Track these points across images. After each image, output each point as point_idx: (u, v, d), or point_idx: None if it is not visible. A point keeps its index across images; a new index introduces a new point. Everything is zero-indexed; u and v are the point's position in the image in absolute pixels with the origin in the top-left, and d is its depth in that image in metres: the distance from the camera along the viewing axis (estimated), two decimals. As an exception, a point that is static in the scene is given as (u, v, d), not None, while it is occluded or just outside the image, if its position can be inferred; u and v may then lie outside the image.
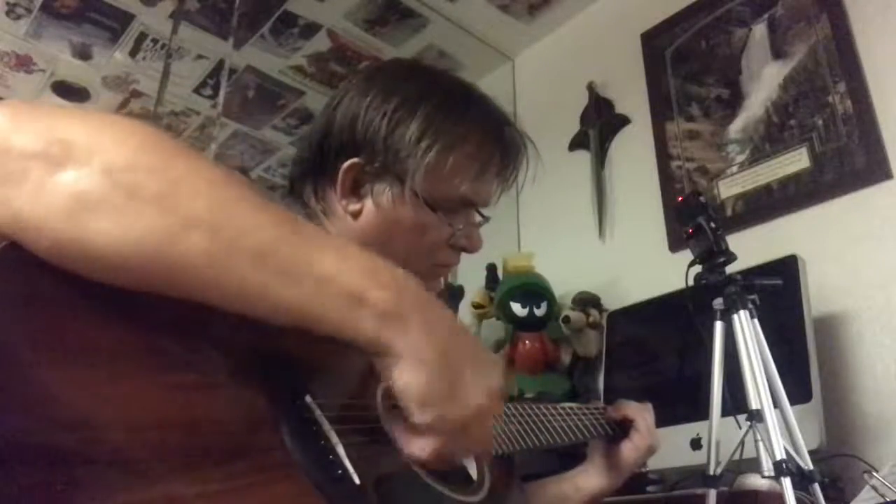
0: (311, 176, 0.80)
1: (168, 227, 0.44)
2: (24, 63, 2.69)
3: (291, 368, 0.55)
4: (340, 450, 0.53)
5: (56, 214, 0.43)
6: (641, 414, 0.99)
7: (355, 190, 0.77)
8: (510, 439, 0.79)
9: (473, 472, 0.70)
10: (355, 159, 0.76)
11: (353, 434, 0.56)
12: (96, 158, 0.44)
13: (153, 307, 0.47)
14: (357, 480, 0.53)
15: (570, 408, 0.95)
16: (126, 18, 2.49)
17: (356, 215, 0.77)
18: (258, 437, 0.50)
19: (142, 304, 0.47)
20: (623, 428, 0.99)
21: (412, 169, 0.74)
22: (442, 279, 0.84)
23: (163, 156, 0.47)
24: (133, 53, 2.66)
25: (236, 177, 0.51)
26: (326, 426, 0.54)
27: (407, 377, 0.51)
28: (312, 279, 0.48)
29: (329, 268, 0.49)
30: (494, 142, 0.80)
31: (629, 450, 0.97)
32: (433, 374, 0.51)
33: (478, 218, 0.82)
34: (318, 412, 0.54)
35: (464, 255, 0.84)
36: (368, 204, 0.77)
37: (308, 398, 0.54)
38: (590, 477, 0.99)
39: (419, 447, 0.54)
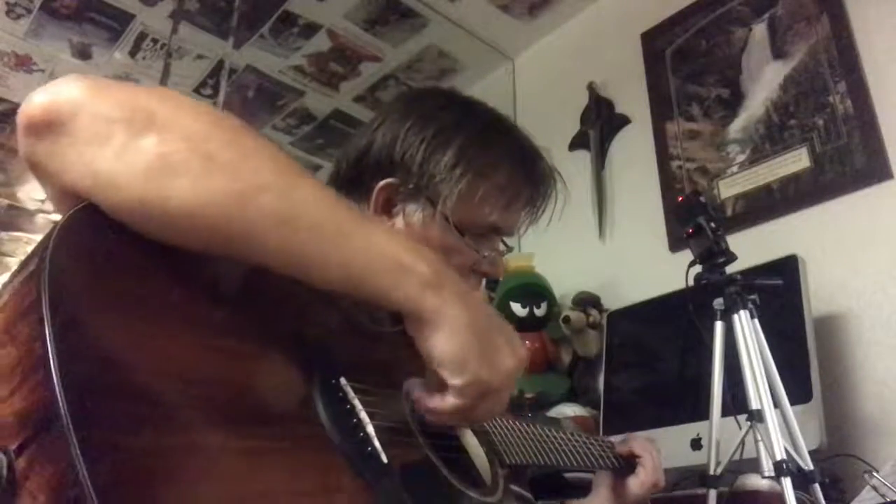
0: (346, 191, 0.84)
1: (241, 191, 0.49)
2: (24, 63, 2.69)
3: (328, 354, 0.60)
4: (370, 429, 0.57)
5: (137, 173, 0.47)
6: (648, 450, 1.02)
7: (387, 208, 0.81)
8: (525, 454, 0.83)
9: (487, 478, 0.72)
10: (391, 179, 0.80)
11: (381, 419, 0.59)
12: (177, 127, 0.49)
13: (211, 277, 0.52)
14: (385, 459, 0.56)
15: (580, 435, 0.98)
16: (126, 18, 2.49)
17: None
18: (295, 408, 0.54)
19: (201, 274, 0.52)
20: (629, 463, 1.02)
21: (444, 194, 0.78)
22: None
23: (235, 131, 0.52)
24: (133, 53, 2.66)
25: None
26: (358, 406, 0.57)
27: (445, 340, 0.55)
28: (366, 246, 0.54)
29: (379, 239, 0.55)
30: (525, 176, 0.84)
31: (635, 485, 0.99)
32: (470, 338, 0.56)
33: (502, 247, 0.87)
34: (350, 393, 0.58)
35: None
36: (399, 222, 0.80)
37: (342, 379, 0.58)
38: None
39: (440, 399, 0.58)
